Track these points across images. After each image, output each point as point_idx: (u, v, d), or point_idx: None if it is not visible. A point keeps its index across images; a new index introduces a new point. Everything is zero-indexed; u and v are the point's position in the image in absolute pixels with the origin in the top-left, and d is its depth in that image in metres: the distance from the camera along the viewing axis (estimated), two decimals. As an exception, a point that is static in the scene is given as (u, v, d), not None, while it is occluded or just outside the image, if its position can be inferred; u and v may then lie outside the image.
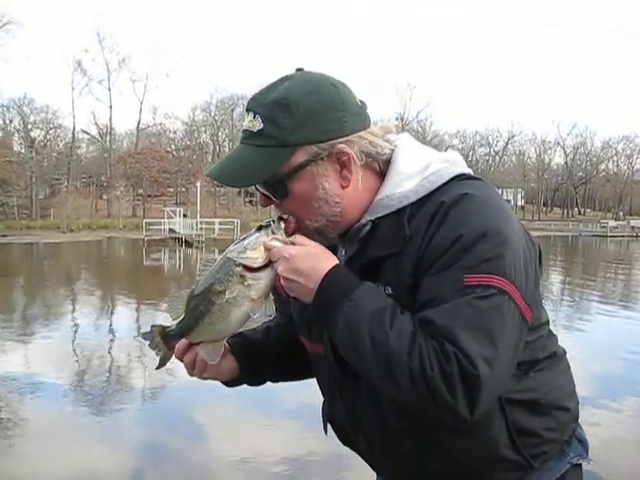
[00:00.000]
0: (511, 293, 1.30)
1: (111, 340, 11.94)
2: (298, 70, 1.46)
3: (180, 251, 37.61)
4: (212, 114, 77.90)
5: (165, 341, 1.60)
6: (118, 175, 67.72)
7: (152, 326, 1.62)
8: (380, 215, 1.44)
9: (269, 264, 1.40)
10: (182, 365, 1.60)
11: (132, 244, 43.10)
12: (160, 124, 77.80)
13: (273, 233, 1.42)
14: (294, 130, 1.37)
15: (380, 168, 1.50)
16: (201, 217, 46.03)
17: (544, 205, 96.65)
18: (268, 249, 1.40)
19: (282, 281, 1.40)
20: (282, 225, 1.43)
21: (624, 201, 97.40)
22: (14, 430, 6.70)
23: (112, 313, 15.59)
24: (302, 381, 1.88)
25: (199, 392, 8.36)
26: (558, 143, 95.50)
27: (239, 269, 1.41)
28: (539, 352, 1.53)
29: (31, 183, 63.76)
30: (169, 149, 76.84)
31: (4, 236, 44.47)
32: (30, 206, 63.32)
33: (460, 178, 1.44)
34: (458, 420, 1.27)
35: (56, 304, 16.75)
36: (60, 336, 11.80)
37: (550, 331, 1.61)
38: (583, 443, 1.66)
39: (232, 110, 76.92)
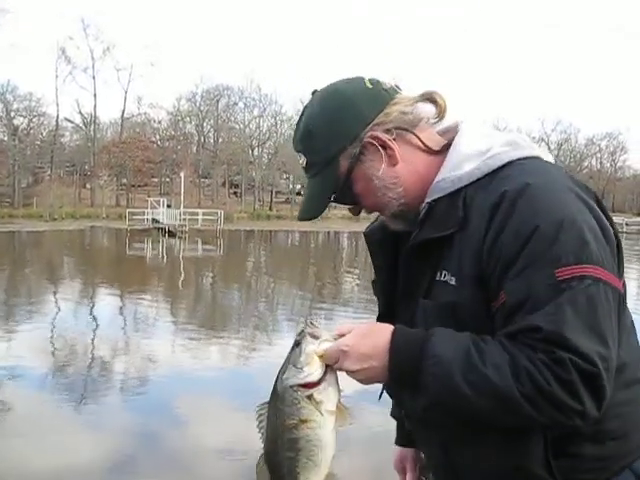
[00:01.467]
0: (605, 278, 1.24)
1: (94, 329, 11.95)
2: (313, 93, 1.54)
3: (163, 241, 37.52)
4: (197, 104, 77.32)
5: None
6: (102, 164, 67.26)
7: None
8: (435, 197, 1.43)
9: (325, 369, 1.32)
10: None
11: (115, 234, 42.93)
12: (145, 114, 77.09)
13: (315, 338, 1.34)
14: (327, 147, 1.46)
15: (427, 147, 1.48)
16: (185, 207, 45.85)
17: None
18: (321, 355, 1.32)
19: (352, 376, 1.33)
20: (316, 324, 1.37)
21: (607, 198, 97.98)
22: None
23: (94, 303, 15.58)
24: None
25: (182, 381, 8.44)
26: (542, 139, 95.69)
27: (302, 391, 1.31)
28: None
29: (14, 171, 63.17)
30: (153, 139, 76.24)
31: (-14, 224, 44.12)
32: (12, 195, 62.79)
33: (518, 160, 1.40)
34: (587, 421, 1.23)
35: (38, 293, 16.72)
36: (43, 325, 11.80)
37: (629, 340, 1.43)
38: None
39: (217, 101, 76.52)
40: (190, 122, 78.80)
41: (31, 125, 72.15)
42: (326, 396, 1.31)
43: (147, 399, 7.72)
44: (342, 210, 2.22)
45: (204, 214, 46.87)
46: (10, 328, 11.44)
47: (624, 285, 1.38)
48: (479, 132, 1.49)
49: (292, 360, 1.34)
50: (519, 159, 1.39)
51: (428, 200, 1.43)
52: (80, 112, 73.42)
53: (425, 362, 1.26)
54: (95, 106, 71.52)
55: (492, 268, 1.29)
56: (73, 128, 77.24)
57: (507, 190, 1.30)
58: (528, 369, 1.19)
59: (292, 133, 1.57)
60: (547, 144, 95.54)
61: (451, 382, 1.23)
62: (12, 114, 67.89)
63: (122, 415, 7.16)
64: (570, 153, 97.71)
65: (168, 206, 47.65)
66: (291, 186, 76.79)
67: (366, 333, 1.34)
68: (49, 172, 69.42)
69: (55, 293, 16.96)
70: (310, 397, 1.30)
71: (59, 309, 14.18)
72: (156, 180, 75.42)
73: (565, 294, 1.21)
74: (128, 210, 48.28)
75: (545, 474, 1.35)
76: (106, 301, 15.69)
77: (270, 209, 72.24)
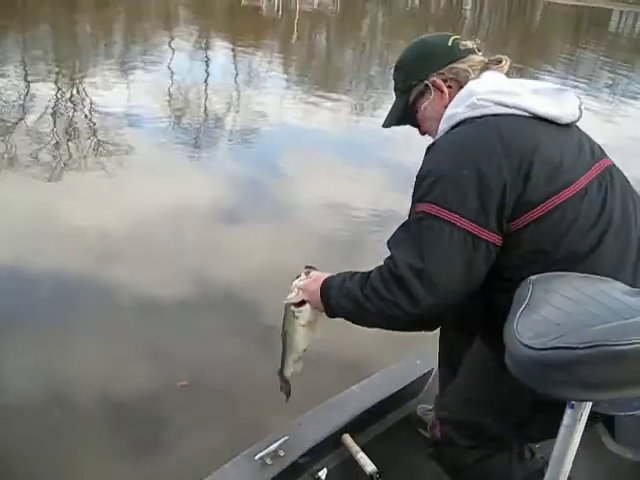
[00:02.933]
0: (440, 215, 1.63)
1: (207, 79, 12.13)
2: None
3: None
4: None
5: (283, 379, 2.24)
6: None
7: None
8: None
9: None
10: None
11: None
12: None
13: (300, 277, 2.05)
14: (405, 80, 2.01)
15: None
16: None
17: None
18: (300, 288, 2.02)
19: (310, 304, 2.03)
20: (305, 270, 2.06)
21: None
22: (113, 158, 7.12)
23: (208, 53, 15.59)
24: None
25: (292, 135, 8.59)
26: None
27: (292, 308, 2.04)
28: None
29: None
30: None
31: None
32: None
33: (459, 126, 1.79)
34: (409, 314, 1.66)
35: (153, 41, 16.80)
36: (158, 73, 11.96)
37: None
38: None
39: None
40: None
41: None
42: (301, 315, 2.03)
43: (255, 151, 7.96)
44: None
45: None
46: (126, 75, 11.65)
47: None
48: (461, 96, 1.84)
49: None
50: (460, 122, 1.79)
51: None
52: None
53: (331, 293, 1.88)
54: None
55: None
56: None
57: None
58: (370, 276, 1.75)
59: None
60: None
61: (338, 300, 1.84)
62: None
63: (230, 163, 7.48)
64: None
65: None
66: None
67: (314, 280, 1.99)
68: None
69: (169, 41, 17.01)
70: (293, 312, 2.04)
71: (173, 58, 14.26)
72: None
73: (405, 223, 1.75)
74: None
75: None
76: (220, 52, 15.66)
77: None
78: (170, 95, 10.43)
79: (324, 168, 7.28)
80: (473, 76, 1.88)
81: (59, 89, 9.91)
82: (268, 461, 2.17)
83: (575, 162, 1.70)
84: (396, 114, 2.06)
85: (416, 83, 1.96)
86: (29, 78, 10.35)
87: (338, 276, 1.91)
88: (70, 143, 7.46)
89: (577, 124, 1.83)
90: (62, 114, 8.58)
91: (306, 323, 2.05)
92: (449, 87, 1.90)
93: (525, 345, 1.23)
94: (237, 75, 12.87)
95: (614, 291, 1.44)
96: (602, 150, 1.83)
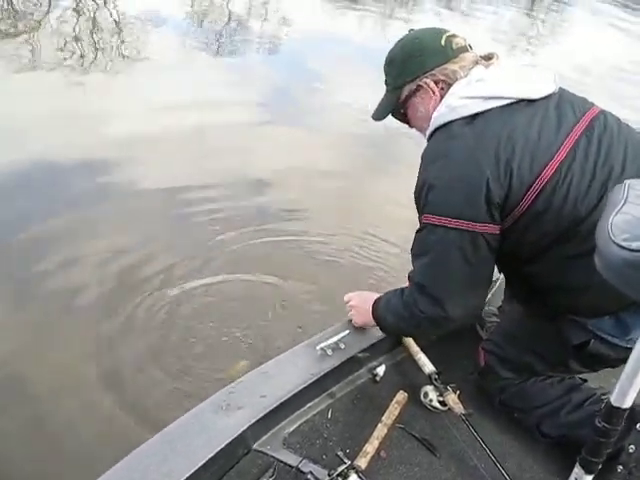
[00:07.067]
0: (439, 224, 1.76)
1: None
2: (409, 31, 2.02)
3: None
4: None
5: None
6: None
7: None
8: None
9: None
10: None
11: None
12: None
13: None
14: (397, 77, 1.99)
15: None
16: None
17: None
18: (352, 307, 2.35)
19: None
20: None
21: None
22: (139, 58, 7.01)
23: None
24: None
25: (320, 42, 8.38)
26: None
27: None
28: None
29: None
30: None
31: None
32: None
33: (440, 131, 1.86)
34: (443, 324, 1.97)
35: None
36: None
37: None
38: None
39: None
40: None
41: None
42: None
43: (282, 56, 7.89)
44: None
45: None
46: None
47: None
48: (450, 97, 1.87)
49: None
50: (442, 124, 1.86)
51: None
52: None
53: (379, 313, 2.15)
54: None
55: None
56: None
57: None
58: (405, 292, 1.99)
59: None
60: None
61: (386, 316, 2.11)
62: None
63: (257, 68, 7.32)
64: None
65: None
66: None
67: (364, 299, 2.28)
68: None
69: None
70: None
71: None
72: None
73: (415, 234, 1.90)
74: None
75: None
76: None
77: None
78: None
79: (352, 75, 7.13)
80: (462, 75, 1.89)
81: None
82: (329, 352, 2.24)
83: (554, 133, 1.77)
84: (387, 109, 2.07)
85: (408, 82, 1.97)
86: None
87: (385, 295, 2.14)
88: (94, 42, 7.27)
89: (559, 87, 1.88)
90: (85, 14, 8.34)
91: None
92: (441, 89, 1.92)
93: (620, 246, 1.19)
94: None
95: None
96: (587, 102, 1.89)
